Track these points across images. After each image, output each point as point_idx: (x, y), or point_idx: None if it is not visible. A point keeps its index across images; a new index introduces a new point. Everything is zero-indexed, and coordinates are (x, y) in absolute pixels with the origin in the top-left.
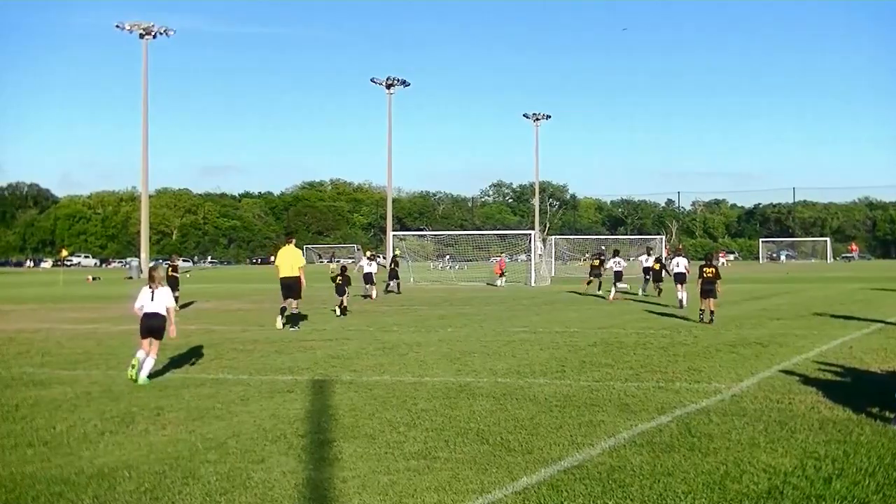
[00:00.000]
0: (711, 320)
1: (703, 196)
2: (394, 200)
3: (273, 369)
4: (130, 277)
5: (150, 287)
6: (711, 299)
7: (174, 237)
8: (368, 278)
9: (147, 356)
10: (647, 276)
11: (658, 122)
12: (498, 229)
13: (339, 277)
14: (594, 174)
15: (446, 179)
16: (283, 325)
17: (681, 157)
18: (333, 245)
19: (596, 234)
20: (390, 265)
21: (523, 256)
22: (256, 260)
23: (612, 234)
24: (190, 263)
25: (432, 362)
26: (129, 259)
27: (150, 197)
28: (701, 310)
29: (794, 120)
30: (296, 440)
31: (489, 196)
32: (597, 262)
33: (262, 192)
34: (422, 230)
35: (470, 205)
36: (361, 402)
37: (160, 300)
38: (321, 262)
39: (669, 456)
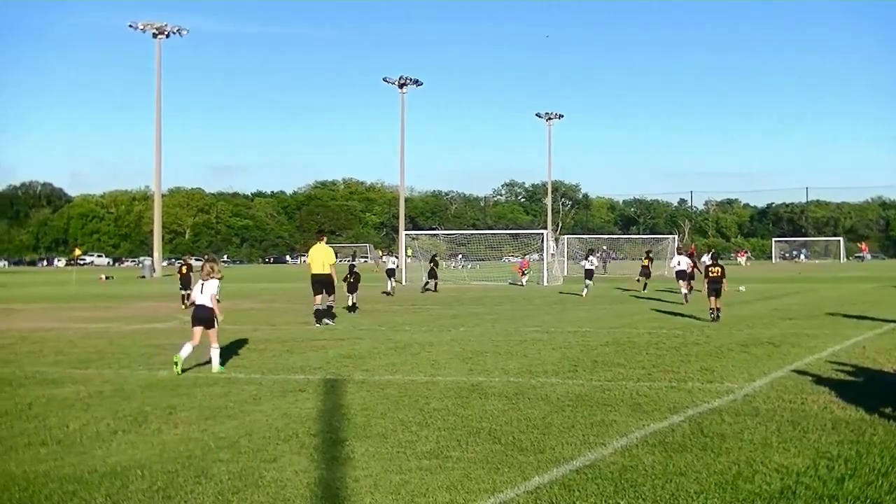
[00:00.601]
0: (718, 317)
1: (716, 196)
2: (406, 200)
3: (285, 368)
4: (143, 277)
5: (201, 280)
6: (717, 297)
7: (187, 236)
8: (391, 273)
9: (192, 347)
10: (689, 280)
11: (670, 122)
12: (510, 229)
13: (349, 276)
14: (606, 173)
15: (458, 179)
16: (325, 321)
17: (693, 156)
18: (346, 244)
19: (608, 234)
20: (429, 264)
21: (536, 256)
22: (269, 259)
23: (624, 234)
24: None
25: (444, 362)
26: (142, 258)
27: (163, 196)
28: (711, 308)
29: (806, 119)
30: (308, 439)
31: (501, 195)
32: (647, 262)
33: (275, 191)
34: (434, 229)
35: (482, 204)
36: (373, 402)
37: (207, 292)
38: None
39: (682, 456)
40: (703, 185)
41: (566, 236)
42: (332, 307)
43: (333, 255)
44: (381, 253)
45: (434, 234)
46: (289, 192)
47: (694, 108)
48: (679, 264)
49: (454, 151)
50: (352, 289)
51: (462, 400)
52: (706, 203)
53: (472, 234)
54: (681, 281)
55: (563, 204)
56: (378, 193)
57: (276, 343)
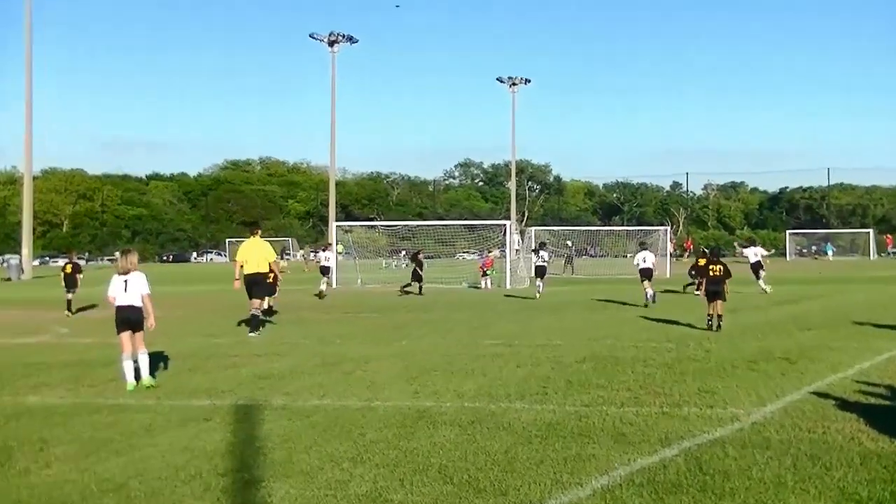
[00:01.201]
0: (719, 326)
1: (717, 178)
2: (338, 184)
3: (186, 392)
4: (9, 279)
5: (120, 275)
6: (720, 302)
7: (65, 228)
8: (325, 271)
9: (133, 355)
10: (760, 272)
11: (662, 90)
12: (466, 219)
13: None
14: (583, 152)
15: (402, 158)
16: (258, 330)
17: (689, 130)
18: (264, 238)
19: (586, 225)
20: (412, 263)
21: (497, 252)
22: (167, 257)
23: (605, 225)
24: (84, 262)
25: (384, 382)
26: (7, 256)
27: (35, 179)
28: (709, 315)
29: (829, 85)
30: (214, 480)
31: (455, 178)
32: (703, 262)
33: (175, 173)
34: (372, 220)
35: (431, 189)
36: (297, 432)
37: (134, 289)
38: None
39: (676, 498)
40: (702, 165)
41: (534, 228)
42: (259, 314)
43: (272, 251)
44: (308, 249)
45: (372, 226)
46: (192, 173)
47: (690, 73)
48: (644, 261)
49: (397, 125)
50: (270, 291)
51: (406, 430)
52: (705, 187)
53: (418, 225)
54: (645, 281)
55: (530, 189)
56: (303, 176)
57: (175, 360)
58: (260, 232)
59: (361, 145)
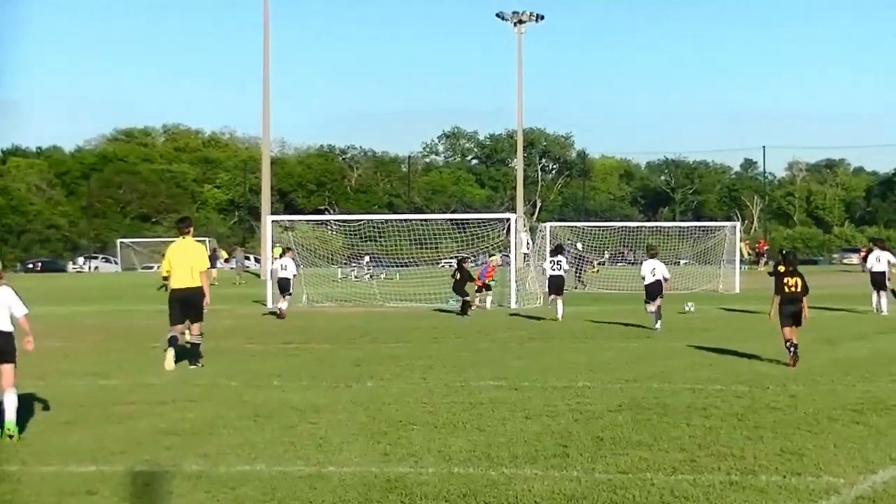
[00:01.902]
0: (796, 357)
1: (807, 155)
2: (275, 162)
3: (62, 453)
4: None
5: None
6: (795, 326)
7: None
8: (285, 285)
9: (13, 396)
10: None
11: (728, 31)
12: (454, 211)
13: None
14: (618, 118)
15: (364, 127)
16: (176, 362)
17: (768, 89)
18: (170, 238)
19: (623, 219)
20: (455, 271)
21: (498, 258)
22: (34, 265)
23: (650, 219)
24: None
25: (340, 440)
26: None
27: None
28: (787, 342)
29: None
30: None
31: (438, 155)
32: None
33: (45, 146)
34: (322, 212)
35: (405, 170)
36: None
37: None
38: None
39: None
40: (785, 136)
41: (549, 224)
42: (198, 346)
43: (206, 257)
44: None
45: (322, 221)
46: (68, 148)
47: (768, 7)
48: (654, 273)
49: (358, 79)
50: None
51: None
52: (790, 167)
53: (388, 220)
54: (651, 303)
55: (543, 169)
56: (225, 151)
57: (47, 410)
58: (192, 230)
59: (309, 107)
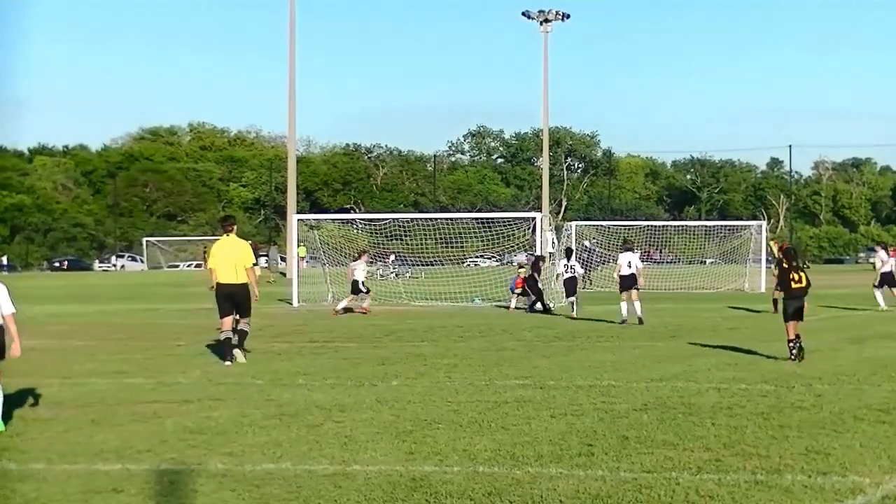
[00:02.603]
0: (802, 354)
1: (833, 153)
2: (300, 161)
3: (88, 452)
4: None
5: None
6: (799, 322)
7: None
8: (356, 287)
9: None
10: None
11: (755, 30)
12: (480, 210)
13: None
14: (643, 117)
15: (389, 126)
16: (236, 356)
17: (794, 86)
18: (195, 237)
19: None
20: (529, 270)
21: (522, 257)
22: (60, 263)
23: (675, 218)
24: None
25: (365, 439)
26: None
27: None
28: (790, 340)
29: None
30: None
31: (464, 154)
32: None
33: (71, 146)
34: (348, 211)
35: (431, 168)
36: None
37: None
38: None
39: None
40: (811, 134)
41: (575, 223)
42: (245, 335)
43: (251, 254)
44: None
45: (348, 221)
46: (95, 147)
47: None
48: (629, 266)
49: (384, 78)
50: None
51: None
52: (816, 166)
53: (413, 218)
54: (626, 291)
55: (569, 168)
56: (251, 150)
57: (73, 408)
58: (235, 228)
59: (333, 108)
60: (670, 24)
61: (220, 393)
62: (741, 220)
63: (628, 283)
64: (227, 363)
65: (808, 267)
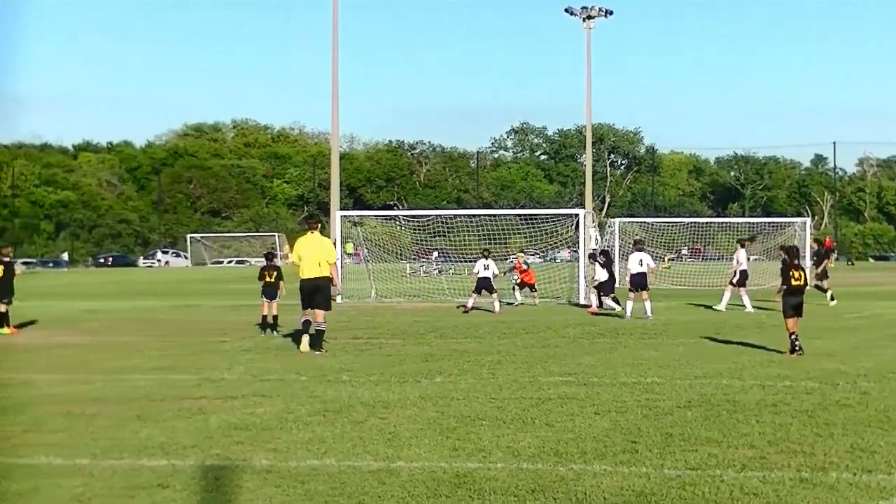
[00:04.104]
0: (801, 349)
1: (878, 150)
2: (344, 157)
3: (133, 448)
4: None
5: None
6: (798, 317)
7: None
8: (485, 285)
9: None
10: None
11: (799, 26)
12: (523, 206)
13: (268, 273)
14: (687, 113)
15: (433, 122)
16: (310, 346)
17: (838, 84)
18: (239, 233)
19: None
20: (592, 262)
21: (565, 254)
22: (105, 259)
23: (719, 215)
24: None
25: (409, 436)
26: None
27: None
28: (793, 335)
29: None
30: None
31: (507, 150)
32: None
33: (115, 142)
34: (391, 207)
35: (474, 165)
36: None
37: None
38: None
39: None
40: (855, 131)
41: (618, 219)
42: (322, 334)
43: (334, 250)
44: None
45: (391, 217)
46: (139, 143)
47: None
48: (641, 264)
49: (427, 75)
50: (270, 294)
51: (440, 501)
52: (861, 162)
53: (456, 215)
54: (634, 292)
55: (612, 165)
56: (294, 146)
57: (118, 403)
58: (319, 226)
59: (376, 103)
60: (714, 20)
61: (265, 389)
62: (785, 216)
63: (639, 281)
64: (316, 353)
65: (853, 264)
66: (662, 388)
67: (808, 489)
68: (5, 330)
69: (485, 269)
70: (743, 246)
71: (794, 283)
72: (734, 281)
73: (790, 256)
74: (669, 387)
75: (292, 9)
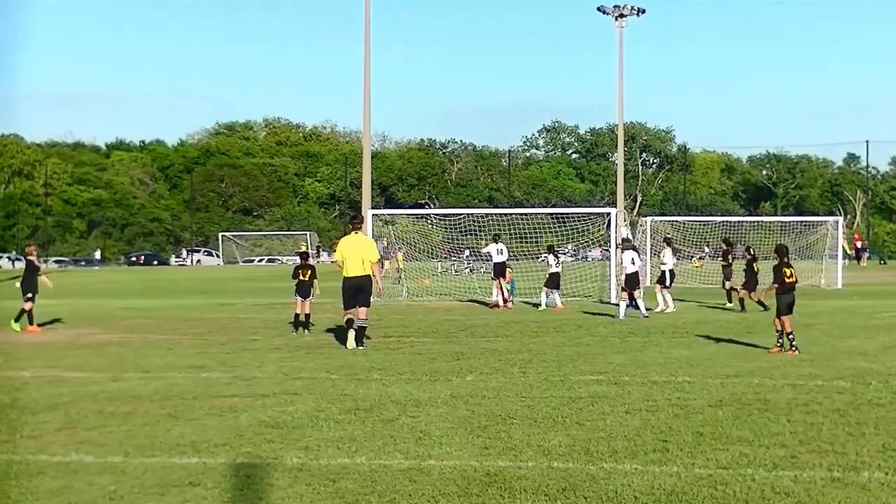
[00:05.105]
0: (795, 346)
1: None
2: (375, 156)
3: (165, 446)
4: None
5: None
6: (790, 316)
7: None
8: (501, 270)
9: None
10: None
11: (831, 22)
12: (554, 205)
13: (302, 272)
14: (719, 112)
15: (465, 121)
16: (356, 342)
17: (871, 83)
18: (270, 232)
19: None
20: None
21: (596, 253)
22: (138, 258)
23: (751, 214)
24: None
25: (440, 434)
26: None
27: None
28: (789, 333)
29: None
30: None
31: (538, 149)
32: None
33: (148, 140)
34: (423, 206)
35: (506, 164)
36: (318, 502)
37: None
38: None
39: None
40: (888, 130)
41: (650, 218)
42: (364, 330)
43: (376, 250)
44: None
45: (423, 216)
46: (171, 141)
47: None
48: (633, 263)
49: (458, 73)
50: (304, 292)
51: (471, 499)
52: (893, 161)
53: (488, 213)
54: (625, 291)
55: (644, 163)
56: (326, 145)
57: (150, 402)
58: (362, 227)
59: (408, 101)
60: (745, 20)
61: (296, 387)
62: (817, 215)
63: (633, 281)
64: (361, 347)
65: (885, 263)
66: (693, 386)
67: (839, 489)
68: (16, 326)
69: (498, 253)
70: (669, 245)
71: (787, 280)
72: (659, 280)
73: (781, 255)
74: (700, 386)
75: (324, 7)
